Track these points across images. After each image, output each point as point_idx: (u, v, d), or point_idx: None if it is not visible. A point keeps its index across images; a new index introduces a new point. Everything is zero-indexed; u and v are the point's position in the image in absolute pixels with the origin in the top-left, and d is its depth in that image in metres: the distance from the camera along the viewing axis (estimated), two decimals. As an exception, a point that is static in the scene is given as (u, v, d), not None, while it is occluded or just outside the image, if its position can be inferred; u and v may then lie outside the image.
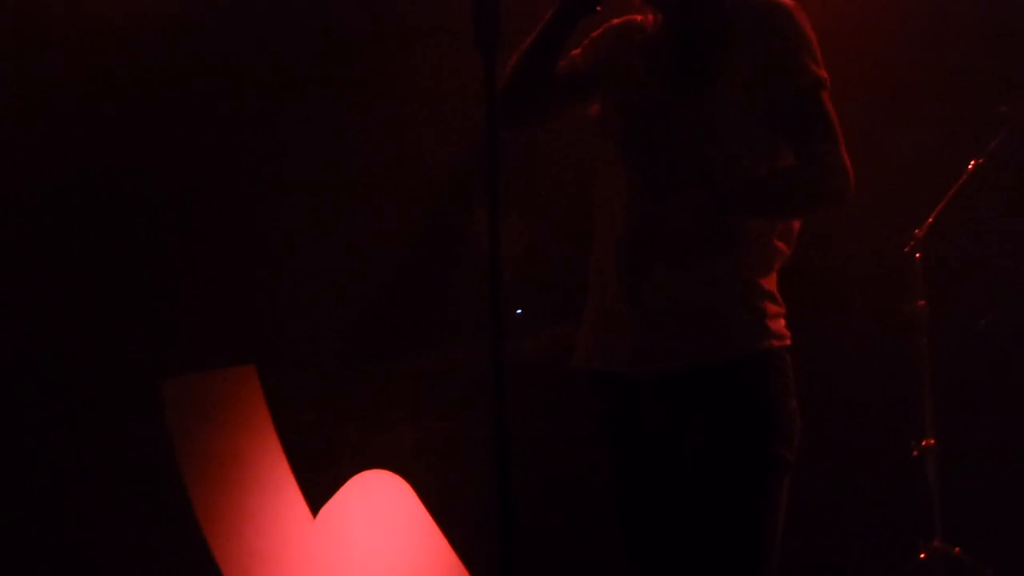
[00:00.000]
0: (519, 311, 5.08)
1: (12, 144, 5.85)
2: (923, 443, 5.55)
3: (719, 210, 3.22)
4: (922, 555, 5.47)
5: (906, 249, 5.62)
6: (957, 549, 5.43)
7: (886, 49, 5.91)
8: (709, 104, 3.28)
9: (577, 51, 3.58)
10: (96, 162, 5.94)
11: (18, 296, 5.89)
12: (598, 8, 3.38)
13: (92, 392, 5.93)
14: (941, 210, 5.62)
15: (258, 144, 6.07)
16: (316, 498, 5.90)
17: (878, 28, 5.92)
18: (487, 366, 2.89)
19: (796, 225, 3.42)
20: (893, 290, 5.69)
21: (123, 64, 5.89)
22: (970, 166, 5.61)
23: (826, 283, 5.94)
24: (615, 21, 3.58)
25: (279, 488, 5.89)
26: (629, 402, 3.40)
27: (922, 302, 5.61)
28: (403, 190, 6.07)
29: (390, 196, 6.08)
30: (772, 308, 3.35)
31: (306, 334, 6.11)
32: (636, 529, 3.45)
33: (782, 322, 3.38)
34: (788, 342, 3.38)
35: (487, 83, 2.96)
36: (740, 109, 3.27)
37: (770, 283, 3.38)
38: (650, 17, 3.48)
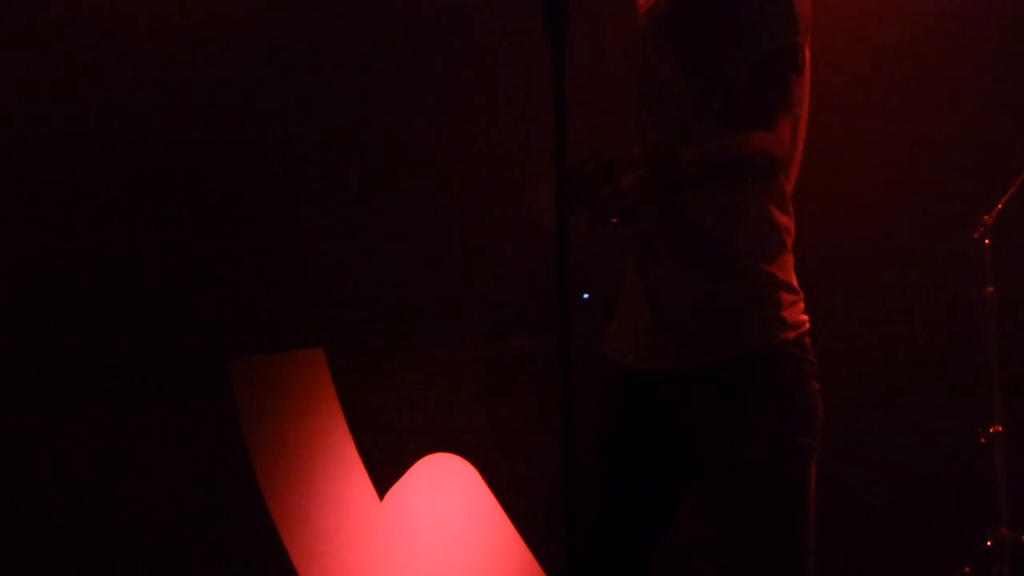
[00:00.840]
0: (586, 296, 5.07)
1: (80, 145, 5.90)
2: (991, 430, 5.51)
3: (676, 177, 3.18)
4: (988, 543, 5.44)
5: (975, 235, 5.58)
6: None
7: (959, 34, 5.86)
8: (709, 77, 3.32)
9: None
10: (166, 159, 6.02)
11: (91, 285, 5.96)
12: None
13: (165, 375, 5.97)
14: (1011, 196, 5.57)
15: (317, 133, 6.09)
16: (382, 481, 5.93)
17: (947, 13, 5.87)
18: (555, 353, 2.88)
19: (789, 193, 3.42)
20: (962, 276, 5.65)
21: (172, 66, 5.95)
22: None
23: (894, 269, 5.92)
24: None
25: (346, 470, 5.92)
26: (641, 398, 3.41)
27: (991, 288, 5.57)
28: (468, 177, 6.06)
29: (454, 183, 6.08)
30: (786, 297, 3.35)
31: (374, 317, 6.12)
32: (604, 534, 3.43)
33: (798, 308, 3.38)
34: (806, 327, 3.38)
35: (556, 66, 2.93)
36: (733, 78, 3.30)
37: (782, 268, 3.37)
38: None
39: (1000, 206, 5.57)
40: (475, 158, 6.02)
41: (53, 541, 5.85)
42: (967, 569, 5.45)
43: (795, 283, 3.40)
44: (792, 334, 3.33)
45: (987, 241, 5.57)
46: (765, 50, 3.27)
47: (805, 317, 3.38)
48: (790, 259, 3.40)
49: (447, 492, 5.88)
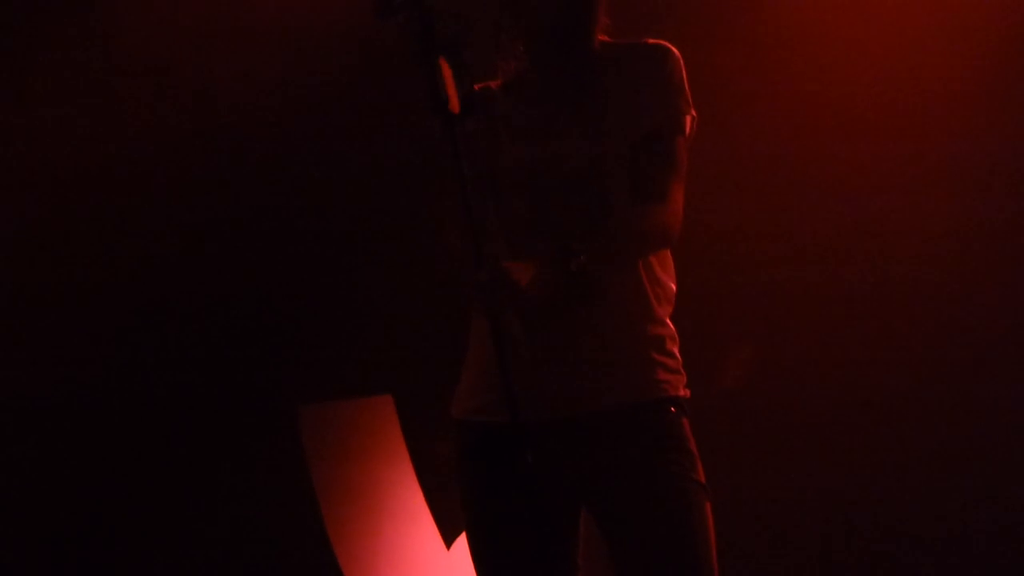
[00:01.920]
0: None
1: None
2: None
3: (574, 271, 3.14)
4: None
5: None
6: None
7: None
8: (598, 139, 3.26)
9: None
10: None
11: (163, 326, 5.98)
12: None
13: (236, 416, 5.97)
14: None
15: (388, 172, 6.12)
16: (449, 530, 5.90)
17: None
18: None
19: (669, 255, 3.40)
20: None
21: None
22: None
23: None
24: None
25: (413, 518, 5.90)
26: (517, 453, 3.20)
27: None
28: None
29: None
30: (670, 358, 3.33)
31: (444, 367, 6.10)
32: None
33: (679, 362, 3.36)
34: (683, 386, 3.35)
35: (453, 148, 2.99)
36: (623, 142, 3.27)
37: (664, 324, 3.35)
38: (512, 66, 3.43)
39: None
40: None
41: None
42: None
43: (673, 332, 3.39)
44: (688, 392, 3.34)
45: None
46: (655, 121, 3.28)
47: (683, 372, 3.38)
48: (668, 310, 3.40)
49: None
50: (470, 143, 3.14)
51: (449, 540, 5.85)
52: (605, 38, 3.41)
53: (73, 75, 5.87)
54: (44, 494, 5.81)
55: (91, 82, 5.90)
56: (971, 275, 5.71)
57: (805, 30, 5.86)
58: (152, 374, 5.93)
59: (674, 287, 3.40)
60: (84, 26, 5.86)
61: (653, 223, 3.25)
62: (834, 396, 5.80)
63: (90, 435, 5.86)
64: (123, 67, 5.92)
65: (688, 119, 3.32)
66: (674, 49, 3.34)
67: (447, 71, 2.98)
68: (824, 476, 5.75)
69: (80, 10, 5.85)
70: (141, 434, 5.89)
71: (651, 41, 3.35)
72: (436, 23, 2.99)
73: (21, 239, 5.80)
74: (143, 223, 5.92)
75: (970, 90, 5.74)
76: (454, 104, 2.98)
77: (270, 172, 6.04)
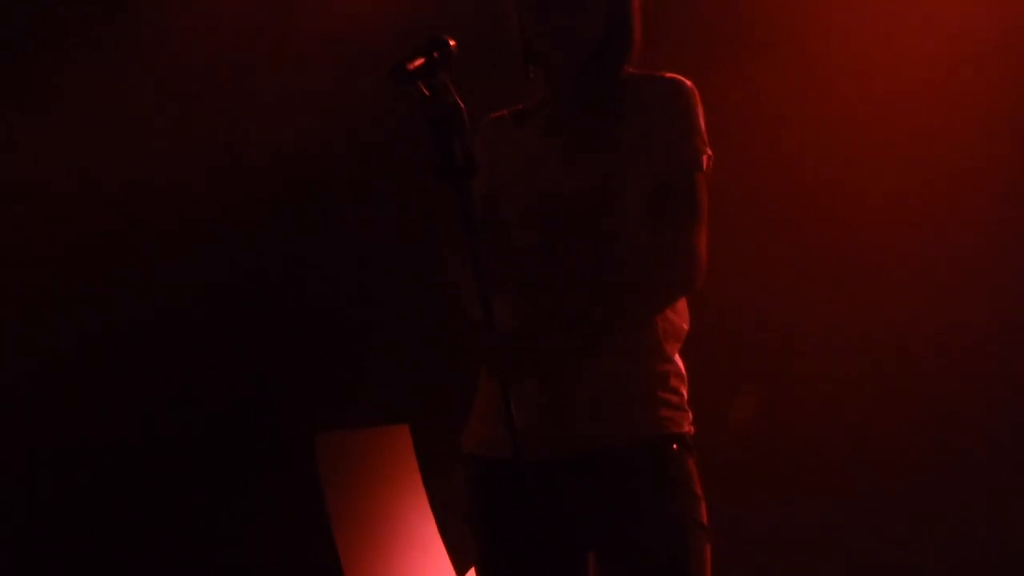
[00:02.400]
0: None
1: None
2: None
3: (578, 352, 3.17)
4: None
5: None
6: None
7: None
8: (610, 175, 3.24)
9: None
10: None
11: (181, 356, 6.05)
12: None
13: (254, 444, 6.02)
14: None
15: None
16: (461, 561, 5.92)
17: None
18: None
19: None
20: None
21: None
22: None
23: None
24: (485, 121, 3.49)
25: (426, 549, 5.91)
26: (522, 490, 3.25)
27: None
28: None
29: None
30: (685, 390, 3.34)
31: (461, 397, 6.13)
32: None
33: (683, 399, 3.35)
34: (688, 423, 3.34)
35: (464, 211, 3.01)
36: (636, 184, 3.25)
37: (681, 362, 3.36)
38: (532, 101, 3.44)
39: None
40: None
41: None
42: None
43: (682, 370, 3.38)
44: (693, 428, 3.33)
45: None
46: (672, 162, 3.26)
47: (687, 410, 3.37)
48: (677, 353, 3.39)
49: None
50: (477, 195, 3.16)
51: (461, 572, 5.87)
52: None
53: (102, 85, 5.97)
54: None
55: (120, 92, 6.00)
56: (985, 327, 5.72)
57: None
58: (171, 405, 5.99)
59: (686, 326, 3.39)
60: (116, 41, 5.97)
61: (673, 276, 3.24)
62: (842, 435, 5.80)
63: (109, 470, 5.92)
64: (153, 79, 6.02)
65: (704, 158, 3.29)
66: (690, 84, 3.32)
67: (456, 136, 3.03)
68: (829, 515, 5.76)
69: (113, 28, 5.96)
70: (159, 465, 5.94)
71: (668, 75, 3.33)
72: (447, 92, 3.00)
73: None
74: (161, 245, 5.99)
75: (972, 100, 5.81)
76: (462, 168, 3.01)
77: (293, 197, 6.11)
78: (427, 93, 2.96)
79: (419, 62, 2.95)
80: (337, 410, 6.12)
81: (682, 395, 3.35)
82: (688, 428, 3.33)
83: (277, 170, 6.02)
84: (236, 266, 6.09)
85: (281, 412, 6.08)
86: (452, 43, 3.01)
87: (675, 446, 3.28)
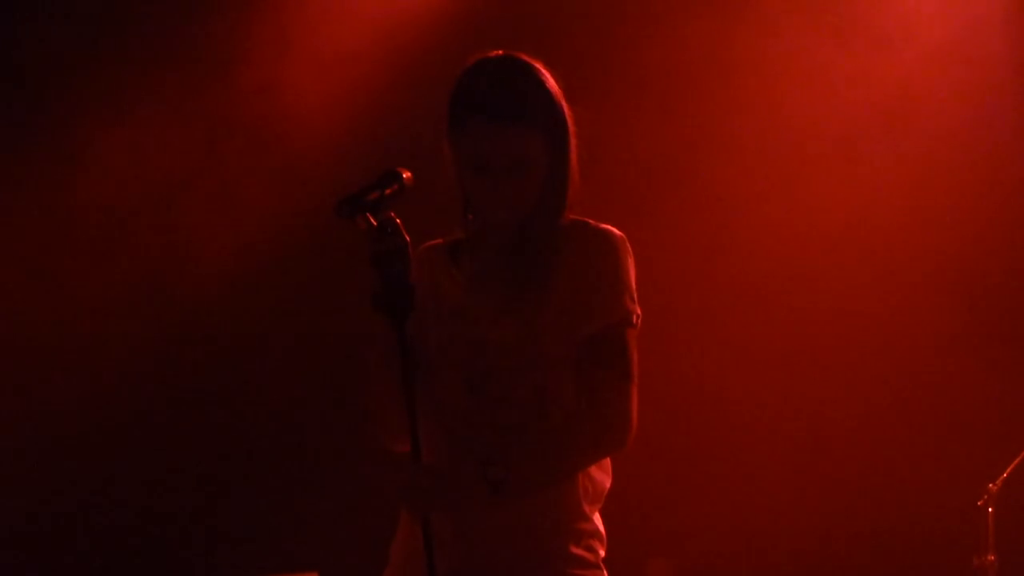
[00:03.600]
0: None
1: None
2: None
3: (493, 492, 3.14)
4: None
5: (979, 503, 5.60)
6: None
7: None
8: (536, 335, 3.22)
9: None
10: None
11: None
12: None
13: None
14: (1016, 466, 5.61)
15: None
16: None
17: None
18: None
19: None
20: (965, 543, 5.65)
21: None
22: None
23: (897, 536, 5.96)
24: (421, 249, 3.43)
25: None
26: None
27: (992, 557, 5.56)
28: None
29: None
30: (589, 553, 3.33)
31: (372, 543, 6.11)
32: None
33: (599, 557, 3.35)
34: None
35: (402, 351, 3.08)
36: (564, 340, 3.23)
37: (589, 520, 3.34)
38: (466, 234, 3.39)
39: (1006, 474, 5.60)
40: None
41: None
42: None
43: (601, 532, 3.37)
44: None
45: (991, 509, 5.59)
46: (602, 322, 3.23)
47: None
48: (598, 510, 3.38)
49: None
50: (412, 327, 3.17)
51: None
52: None
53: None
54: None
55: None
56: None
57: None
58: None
59: (608, 483, 3.37)
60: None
61: (600, 437, 3.23)
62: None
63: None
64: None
65: (634, 316, 3.26)
66: (620, 236, 3.28)
67: (398, 273, 3.06)
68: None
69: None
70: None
71: (599, 227, 3.30)
72: (395, 228, 3.05)
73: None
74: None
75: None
76: (400, 305, 3.04)
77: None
78: (374, 224, 3.00)
79: (371, 196, 3.00)
80: (246, 555, 6.06)
81: (598, 553, 3.33)
82: None
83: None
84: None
85: (191, 557, 6.01)
86: (406, 175, 3.06)
87: None
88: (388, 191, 3.04)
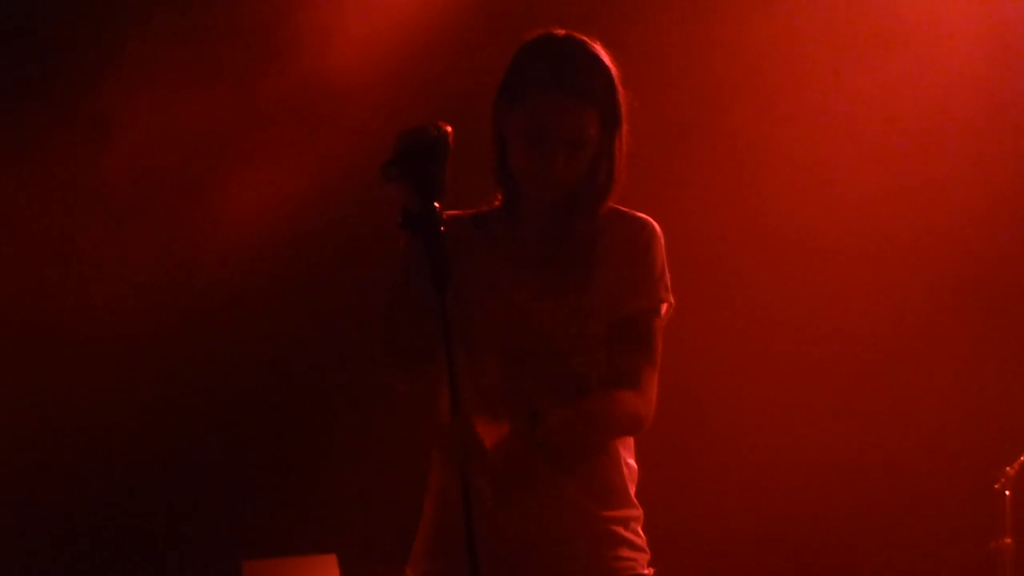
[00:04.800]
0: None
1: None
2: None
3: (540, 440, 3.14)
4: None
5: (996, 486, 5.61)
6: None
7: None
8: (580, 316, 3.25)
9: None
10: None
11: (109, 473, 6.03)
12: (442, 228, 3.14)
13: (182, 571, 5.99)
14: (1034, 449, 5.63)
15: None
16: None
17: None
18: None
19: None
20: (982, 526, 5.66)
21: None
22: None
23: (914, 518, 5.96)
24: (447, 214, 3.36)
25: None
26: None
27: (1009, 539, 5.57)
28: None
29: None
30: (637, 536, 3.35)
31: (389, 528, 6.13)
32: None
33: (644, 540, 3.37)
34: (647, 564, 3.36)
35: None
36: (603, 321, 3.26)
37: (634, 505, 3.36)
38: (493, 209, 3.41)
39: (1023, 458, 5.60)
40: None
41: None
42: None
43: (640, 527, 3.40)
44: (652, 570, 3.35)
45: (1008, 492, 5.60)
46: (634, 307, 3.29)
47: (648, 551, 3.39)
48: (633, 497, 3.39)
49: None
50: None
51: None
52: None
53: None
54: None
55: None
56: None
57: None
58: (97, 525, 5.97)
59: (636, 466, 3.40)
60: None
61: (625, 410, 3.25)
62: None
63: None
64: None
65: (665, 306, 3.33)
66: (656, 227, 3.34)
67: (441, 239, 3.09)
68: None
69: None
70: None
71: (636, 215, 3.36)
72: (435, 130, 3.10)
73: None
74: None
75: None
76: (434, 219, 3.07)
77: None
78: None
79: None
80: (265, 536, 6.08)
81: (642, 536, 3.36)
82: (648, 570, 3.34)
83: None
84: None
85: (210, 538, 6.04)
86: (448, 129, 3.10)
87: None
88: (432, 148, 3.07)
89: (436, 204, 3.09)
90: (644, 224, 3.35)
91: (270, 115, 6.18)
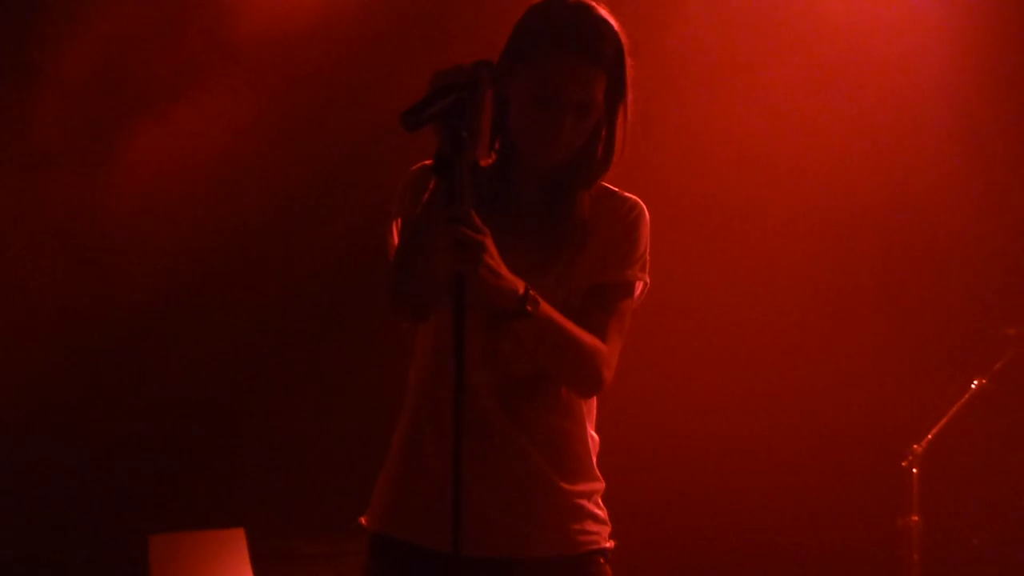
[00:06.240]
0: None
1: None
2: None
3: (519, 307, 3.08)
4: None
5: (904, 463, 5.65)
6: None
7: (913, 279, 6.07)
8: (567, 285, 3.26)
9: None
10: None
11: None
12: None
13: (84, 542, 5.94)
14: (942, 427, 5.66)
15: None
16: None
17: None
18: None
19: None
20: (889, 503, 5.71)
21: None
22: (973, 385, 5.69)
23: (822, 494, 6.00)
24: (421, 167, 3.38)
25: (257, 651, 5.84)
26: None
27: (916, 517, 5.62)
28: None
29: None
30: (600, 510, 3.38)
31: (297, 503, 6.12)
32: None
33: (606, 514, 3.39)
34: (609, 537, 3.39)
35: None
36: (580, 294, 3.28)
37: (598, 479, 3.38)
38: (482, 165, 3.32)
39: (930, 436, 5.65)
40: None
41: None
42: None
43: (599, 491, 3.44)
44: (613, 543, 3.38)
45: (915, 470, 5.64)
46: (613, 278, 3.30)
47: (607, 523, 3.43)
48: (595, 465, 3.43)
49: None
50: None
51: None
52: None
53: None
54: None
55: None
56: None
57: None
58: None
59: (597, 438, 3.41)
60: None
61: (595, 348, 3.22)
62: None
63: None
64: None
65: (640, 285, 3.34)
66: (645, 209, 3.34)
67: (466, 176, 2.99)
68: None
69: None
70: None
71: (626, 195, 3.36)
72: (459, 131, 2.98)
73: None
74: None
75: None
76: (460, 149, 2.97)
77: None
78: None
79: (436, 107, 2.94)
80: (173, 510, 6.05)
81: (604, 509, 3.38)
82: (609, 543, 3.36)
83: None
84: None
85: (117, 512, 6.00)
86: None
87: (601, 560, 3.33)
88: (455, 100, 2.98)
89: (466, 150, 2.99)
90: (634, 204, 3.35)
91: (201, 65, 6.10)
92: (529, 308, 3.07)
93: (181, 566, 5.88)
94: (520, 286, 3.05)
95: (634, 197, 3.36)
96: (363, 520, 3.40)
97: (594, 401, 3.39)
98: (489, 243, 2.97)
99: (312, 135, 6.11)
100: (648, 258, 3.35)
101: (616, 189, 3.37)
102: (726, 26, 6.20)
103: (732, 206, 6.24)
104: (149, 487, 6.07)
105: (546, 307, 3.11)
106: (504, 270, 3.03)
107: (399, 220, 3.29)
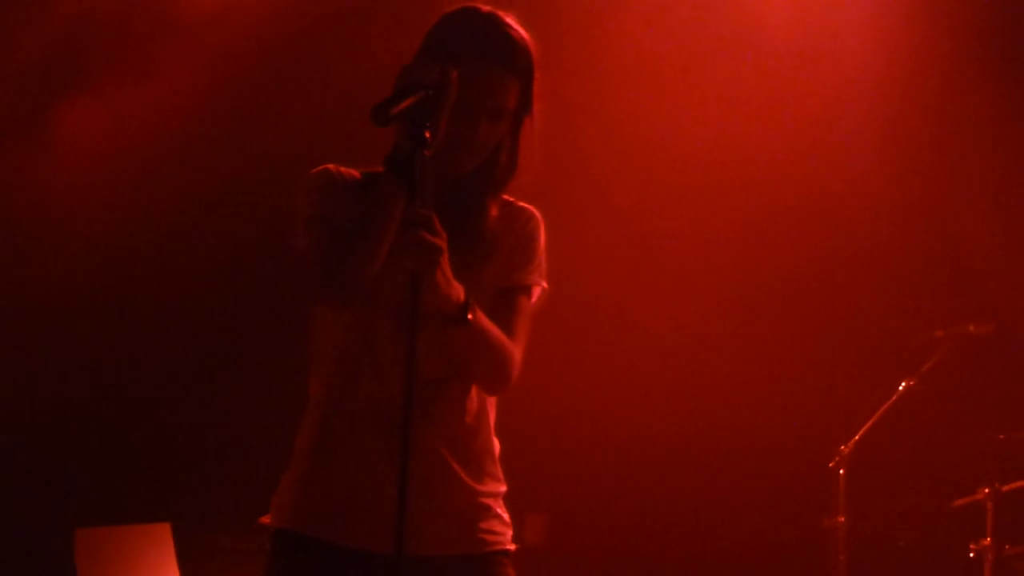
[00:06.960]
0: None
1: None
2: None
3: (460, 313, 3.13)
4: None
5: (831, 464, 5.68)
6: None
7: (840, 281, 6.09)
8: (477, 289, 3.23)
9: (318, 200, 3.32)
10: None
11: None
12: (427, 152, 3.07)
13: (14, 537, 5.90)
14: (868, 428, 5.69)
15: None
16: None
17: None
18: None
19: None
20: (816, 504, 5.73)
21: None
22: (901, 387, 5.72)
23: (749, 495, 6.03)
24: (336, 168, 3.36)
25: (182, 647, 5.82)
26: None
27: (842, 518, 5.65)
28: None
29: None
30: (506, 513, 3.41)
31: (224, 496, 6.11)
32: None
33: (508, 515, 3.42)
34: (511, 540, 3.43)
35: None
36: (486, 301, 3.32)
37: (502, 481, 3.42)
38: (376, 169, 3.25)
39: (857, 437, 5.68)
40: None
41: None
42: None
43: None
44: (515, 546, 3.42)
45: (841, 471, 5.67)
46: (516, 282, 3.35)
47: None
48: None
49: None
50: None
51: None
52: None
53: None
54: None
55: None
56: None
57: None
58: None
59: (497, 443, 3.46)
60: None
61: (505, 343, 3.26)
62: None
63: None
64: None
65: (538, 290, 3.40)
66: (540, 218, 3.40)
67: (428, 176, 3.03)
68: None
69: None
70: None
71: (523, 204, 3.41)
72: (423, 130, 3.01)
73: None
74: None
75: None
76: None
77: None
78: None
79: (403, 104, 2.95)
80: (99, 504, 6.03)
81: (507, 513, 3.41)
82: (511, 545, 3.40)
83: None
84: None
85: (42, 506, 5.97)
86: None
87: (505, 560, 3.37)
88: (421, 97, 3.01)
89: (428, 149, 3.03)
90: (532, 214, 3.41)
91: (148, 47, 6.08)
92: (469, 316, 3.12)
93: (107, 560, 5.86)
94: (463, 293, 3.11)
95: (530, 207, 3.42)
96: (265, 520, 3.38)
97: (495, 405, 3.41)
98: (445, 248, 3.01)
99: (259, 119, 6.12)
100: (544, 264, 3.41)
101: (512, 199, 3.41)
102: (656, 26, 6.21)
103: (657, 208, 6.26)
104: (75, 481, 6.04)
105: (481, 314, 3.16)
106: (451, 276, 3.08)
107: (309, 218, 3.26)
